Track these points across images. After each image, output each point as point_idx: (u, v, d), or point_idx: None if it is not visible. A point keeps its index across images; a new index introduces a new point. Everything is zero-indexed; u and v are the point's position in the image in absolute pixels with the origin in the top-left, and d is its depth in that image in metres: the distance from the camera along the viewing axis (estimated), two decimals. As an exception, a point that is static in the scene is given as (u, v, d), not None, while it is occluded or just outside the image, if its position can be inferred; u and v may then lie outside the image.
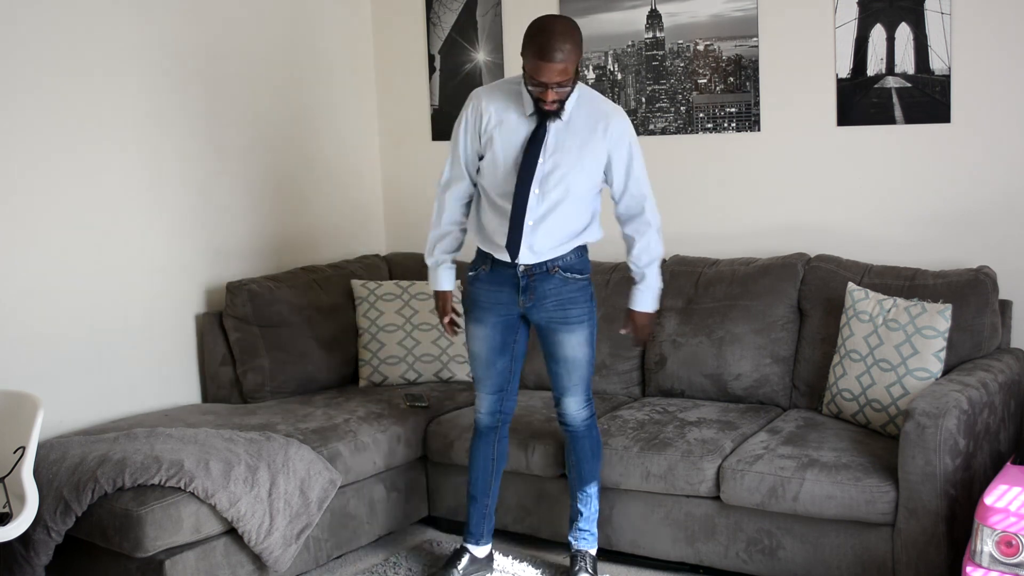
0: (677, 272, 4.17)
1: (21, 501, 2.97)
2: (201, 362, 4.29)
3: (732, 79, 4.25)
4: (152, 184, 4.09)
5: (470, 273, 3.48)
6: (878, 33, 3.95)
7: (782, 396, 3.92)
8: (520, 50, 3.19)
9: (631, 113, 4.48)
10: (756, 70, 4.20)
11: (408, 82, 5.02)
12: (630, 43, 4.46)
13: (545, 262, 3.36)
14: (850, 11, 3.98)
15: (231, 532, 3.34)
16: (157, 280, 4.12)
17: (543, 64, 3.11)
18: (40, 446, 3.31)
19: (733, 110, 4.27)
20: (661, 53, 4.40)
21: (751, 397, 3.94)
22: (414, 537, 4.03)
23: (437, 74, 4.95)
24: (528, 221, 3.29)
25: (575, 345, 3.40)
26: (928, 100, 3.89)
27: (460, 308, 3.74)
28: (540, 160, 3.27)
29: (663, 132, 4.44)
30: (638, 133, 4.46)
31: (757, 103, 4.21)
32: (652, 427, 3.69)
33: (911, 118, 3.93)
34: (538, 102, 3.21)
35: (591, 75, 4.56)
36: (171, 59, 4.15)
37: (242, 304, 4.16)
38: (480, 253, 3.45)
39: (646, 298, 3.46)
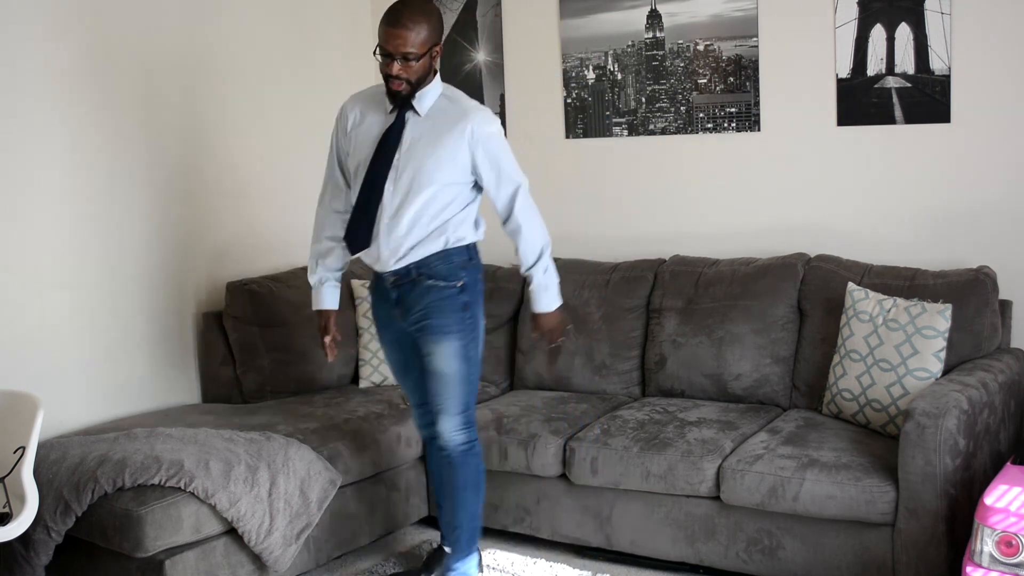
0: (677, 272, 4.17)
1: (21, 501, 2.97)
2: (201, 362, 4.29)
3: (732, 79, 4.25)
4: (152, 184, 4.09)
5: (368, 287, 3.44)
6: (878, 33, 3.95)
7: (782, 396, 3.92)
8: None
9: (631, 113, 4.48)
10: (756, 70, 4.20)
11: (408, 82, 5.02)
12: (630, 43, 4.46)
13: (409, 268, 3.23)
14: (850, 11, 3.98)
15: (231, 532, 3.34)
16: (157, 280, 4.12)
17: (390, 30, 3.07)
18: (40, 446, 3.31)
19: (733, 110, 4.27)
20: (661, 53, 4.40)
21: (751, 397, 3.94)
22: (414, 537, 4.03)
23: (437, 74, 4.93)
24: (383, 219, 3.20)
25: (443, 358, 3.24)
26: (928, 100, 3.89)
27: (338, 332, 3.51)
28: (396, 155, 3.19)
29: (663, 132, 4.44)
30: (638, 133, 4.48)
31: (757, 103, 4.21)
32: (652, 427, 3.69)
33: (911, 118, 3.93)
34: (386, 80, 3.14)
35: (591, 75, 4.55)
36: (172, 57, 4.15)
37: (242, 304, 4.16)
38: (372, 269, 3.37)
39: (543, 298, 3.33)
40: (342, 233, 3.34)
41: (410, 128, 3.22)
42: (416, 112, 3.23)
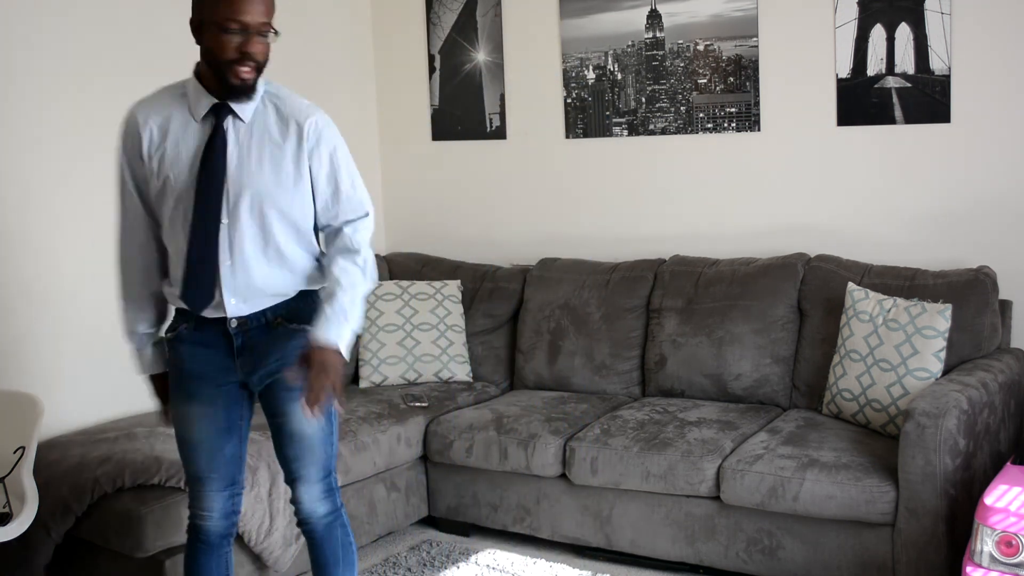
0: (677, 272, 4.17)
1: (21, 501, 2.97)
2: (201, 362, 4.28)
3: (732, 79, 4.25)
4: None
5: (167, 334, 2.69)
6: (878, 33, 3.95)
7: (782, 396, 3.92)
8: (196, 15, 2.52)
9: (631, 113, 4.48)
10: (756, 70, 4.20)
11: (408, 82, 5.02)
12: (630, 43, 4.46)
13: (264, 312, 2.62)
14: (850, 11, 3.98)
15: (231, 532, 3.34)
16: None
17: None
18: (40, 446, 3.31)
19: (733, 110, 4.27)
20: (661, 53, 4.40)
21: (751, 397, 3.94)
22: (414, 537, 4.03)
23: (437, 74, 4.95)
24: (224, 261, 2.56)
25: (306, 418, 2.55)
26: (928, 100, 3.89)
27: None
28: (225, 180, 2.54)
29: (663, 132, 4.44)
30: (638, 133, 4.48)
31: (757, 103, 4.21)
32: (652, 427, 3.69)
33: (911, 118, 3.93)
34: (227, 67, 2.47)
35: (591, 75, 4.55)
36: (171, 56, 4.14)
37: (242, 304, 4.15)
38: (178, 309, 2.68)
39: (329, 326, 2.53)
40: (158, 279, 2.69)
41: (232, 139, 2.56)
42: (238, 117, 2.57)
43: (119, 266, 2.71)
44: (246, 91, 2.54)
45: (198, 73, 2.59)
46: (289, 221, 2.61)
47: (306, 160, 2.60)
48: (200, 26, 2.52)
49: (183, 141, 2.56)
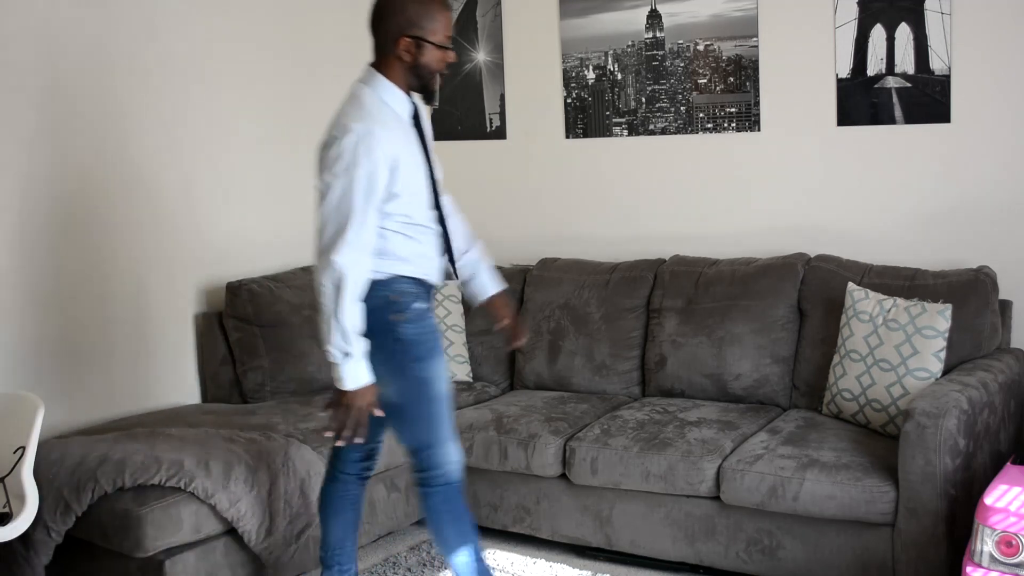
0: (677, 272, 4.17)
1: (21, 501, 2.97)
2: (201, 362, 4.29)
3: (732, 79, 4.25)
4: (152, 184, 4.09)
5: (416, 305, 2.91)
6: (878, 33, 3.95)
7: (782, 396, 3.92)
8: (396, 21, 2.79)
9: (631, 113, 4.49)
10: (756, 70, 4.20)
11: (408, 82, 5.02)
12: (630, 43, 4.46)
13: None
14: (850, 11, 3.98)
15: (231, 532, 3.34)
16: (157, 280, 4.12)
17: (448, 14, 2.83)
18: (40, 446, 3.31)
19: (733, 110, 4.27)
20: (661, 53, 4.40)
21: (751, 397, 3.94)
22: (414, 537, 4.03)
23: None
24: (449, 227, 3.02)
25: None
26: (928, 100, 3.89)
27: None
28: (433, 167, 2.98)
29: (663, 132, 4.44)
30: (638, 133, 4.49)
31: (757, 103, 4.21)
32: (652, 427, 3.69)
33: (911, 118, 3.93)
34: (433, 78, 2.85)
35: (591, 75, 4.55)
36: (169, 57, 4.15)
37: (242, 304, 4.16)
38: (409, 283, 2.90)
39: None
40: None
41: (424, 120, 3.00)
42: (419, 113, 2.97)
43: (346, 276, 2.75)
44: (436, 95, 2.91)
45: (383, 77, 2.85)
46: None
47: None
48: (408, 40, 2.80)
49: (409, 144, 2.86)
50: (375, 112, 2.80)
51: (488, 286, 3.21)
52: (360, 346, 2.77)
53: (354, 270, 2.72)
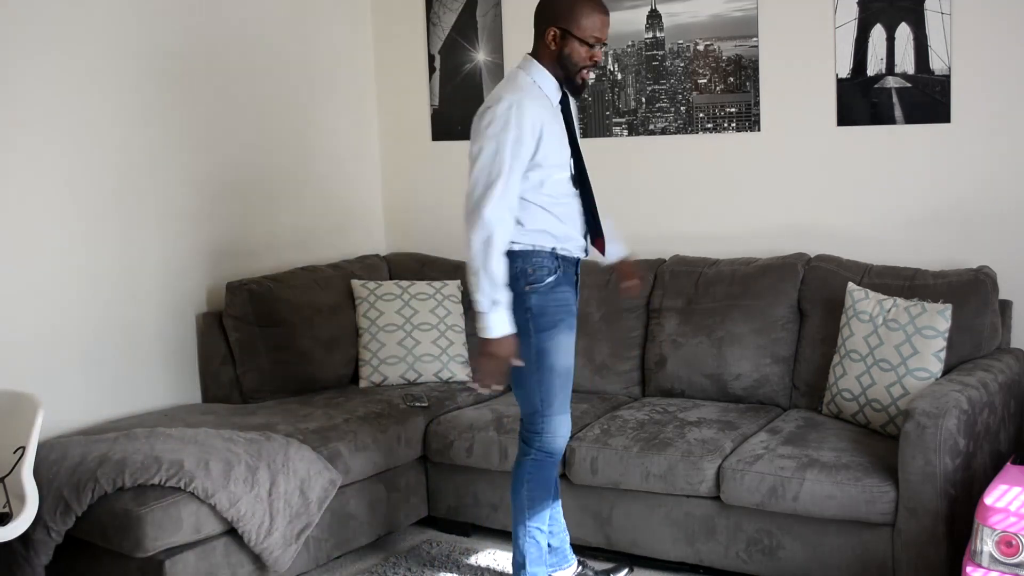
0: (677, 272, 4.17)
1: (21, 501, 2.97)
2: (201, 362, 4.29)
3: (732, 79, 4.25)
4: (151, 183, 4.09)
5: (550, 279, 3.14)
6: (878, 33, 3.95)
7: (782, 396, 3.92)
8: (549, 12, 3.10)
9: (631, 113, 4.48)
10: (756, 70, 4.20)
11: (408, 82, 5.02)
12: (630, 43, 4.46)
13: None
14: (850, 11, 3.98)
15: (231, 532, 3.34)
16: (157, 280, 4.12)
17: (604, 18, 3.09)
18: (40, 446, 3.31)
19: (733, 110, 4.27)
20: (661, 53, 4.40)
21: (751, 397, 3.94)
22: (414, 537, 4.03)
23: (437, 74, 4.95)
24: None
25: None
26: (928, 100, 3.89)
27: None
28: (580, 147, 3.28)
29: (663, 132, 4.44)
30: (638, 133, 4.49)
31: (757, 103, 4.21)
32: (652, 427, 3.69)
33: (911, 118, 3.93)
34: (581, 72, 3.12)
35: (591, 75, 4.54)
36: (170, 57, 4.15)
37: (242, 304, 4.16)
38: (547, 256, 3.14)
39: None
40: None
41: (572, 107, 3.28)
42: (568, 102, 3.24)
43: (494, 224, 2.99)
44: (583, 89, 3.21)
45: (537, 62, 3.14)
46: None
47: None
48: (556, 30, 3.08)
49: (555, 123, 3.13)
50: (526, 88, 3.08)
51: (619, 250, 3.51)
52: (506, 296, 3.00)
53: (501, 225, 2.97)
